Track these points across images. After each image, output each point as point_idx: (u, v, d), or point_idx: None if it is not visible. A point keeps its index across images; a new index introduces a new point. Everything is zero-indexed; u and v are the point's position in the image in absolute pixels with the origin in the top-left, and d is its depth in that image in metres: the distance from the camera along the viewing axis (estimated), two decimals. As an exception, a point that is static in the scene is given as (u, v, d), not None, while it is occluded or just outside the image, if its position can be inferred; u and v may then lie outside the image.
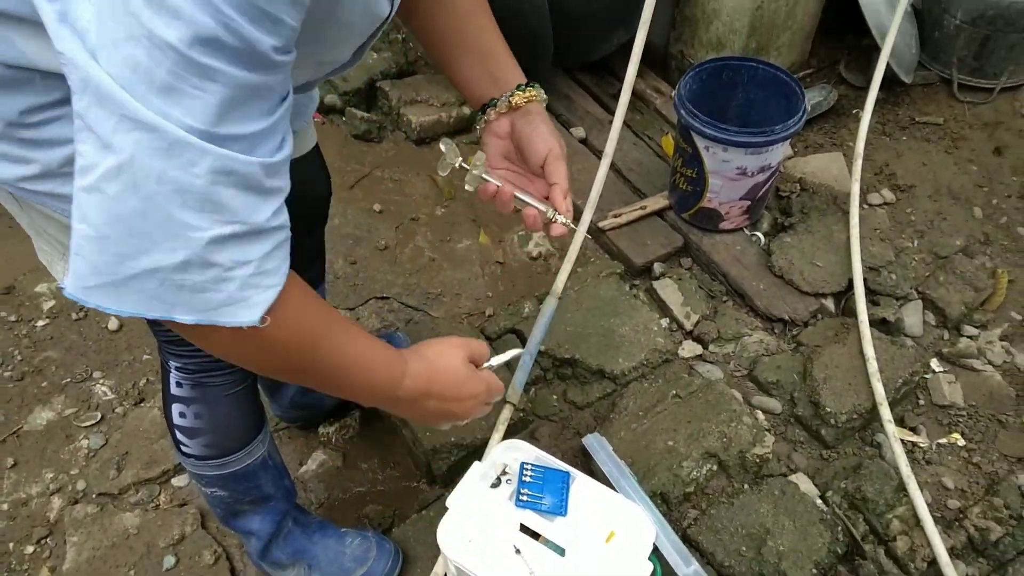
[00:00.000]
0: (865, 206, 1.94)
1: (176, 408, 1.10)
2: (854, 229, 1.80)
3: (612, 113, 2.26)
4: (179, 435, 1.11)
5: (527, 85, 0.93)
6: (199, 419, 1.10)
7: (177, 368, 1.07)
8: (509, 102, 0.92)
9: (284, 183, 0.64)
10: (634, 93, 2.16)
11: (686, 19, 2.18)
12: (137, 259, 0.58)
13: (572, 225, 0.91)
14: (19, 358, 1.74)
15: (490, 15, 0.97)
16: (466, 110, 2.24)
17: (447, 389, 0.86)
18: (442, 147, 0.93)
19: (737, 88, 1.85)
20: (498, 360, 0.95)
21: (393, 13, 0.79)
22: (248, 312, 0.62)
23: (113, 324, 1.80)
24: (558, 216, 0.91)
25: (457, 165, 0.93)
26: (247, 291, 0.62)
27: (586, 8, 2.05)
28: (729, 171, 1.73)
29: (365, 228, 2.02)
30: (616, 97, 2.30)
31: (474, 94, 0.96)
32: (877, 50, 1.99)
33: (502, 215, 2.05)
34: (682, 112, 1.71)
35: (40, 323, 1.80)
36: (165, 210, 0.56)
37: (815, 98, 2.11)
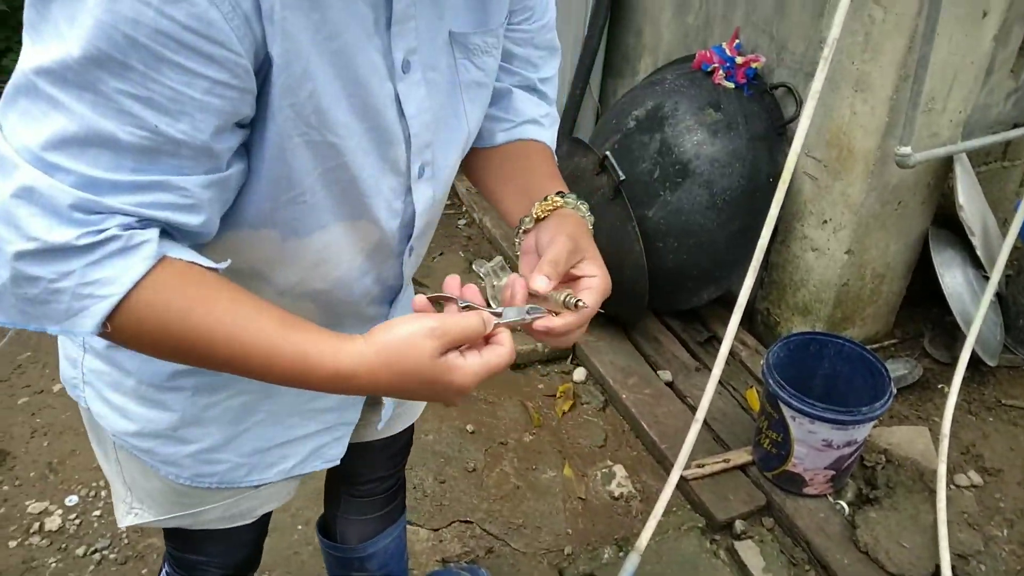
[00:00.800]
0: (952, 487, 1.94)
1: None
2: (941, 512, 1.80)
3: (698, 359, 2.39)
4: None
5: (555, 194, 0.85)
6: None
7: (167, 571, 1.20)
8: (532, 216, 0.85)
9: (113, 224, 0.61)
10: (719, 342, 2.29)
11: (774, 282, 2.34)
12: None
13: (540, 314, 0.75)
14: (125, 541, 1.85)
15: (542, 153, 0.94)
16: (560, 342, 2.40)
17: (416, 390, 0.68)
18: (476, 268, 0.86)
19: (823, 360, 1.96)
20: (503, 321, 0.71)
21: (412, 137, 0.77)
22: (89, 321, 0.61)
23: (215, 518, 1.91)
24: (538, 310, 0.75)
25: (482, 273, 0.84)
26: (83, 300, 0.60)
27: (681, 266, 2.25)
28: (815, 442, 1.79)
29: (456, 447, 2.13)
30: (702, 345, 2.45)
31: (514, 224, 0.91)
32: (960, 328, 2.08)
33: (588, 450, 2.14)
34: (770, 381, 1.81)
35: (150, 508, 1.94)
36: None
37: (899, 370, 2.18)
